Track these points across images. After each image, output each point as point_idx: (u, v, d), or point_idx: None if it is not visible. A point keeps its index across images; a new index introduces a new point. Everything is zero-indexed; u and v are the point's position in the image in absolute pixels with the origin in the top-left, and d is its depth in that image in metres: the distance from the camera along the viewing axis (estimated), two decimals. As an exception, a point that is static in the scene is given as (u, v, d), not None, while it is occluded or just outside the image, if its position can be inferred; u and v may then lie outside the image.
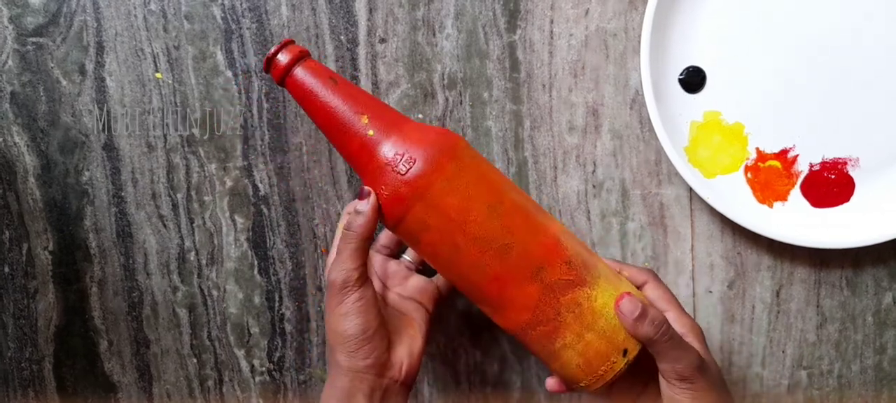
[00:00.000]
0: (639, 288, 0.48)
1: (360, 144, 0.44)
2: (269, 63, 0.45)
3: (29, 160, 0.59)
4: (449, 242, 0.44)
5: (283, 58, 0.45)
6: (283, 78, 0.45)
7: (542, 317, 0.45)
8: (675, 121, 0.53)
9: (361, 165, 0.45)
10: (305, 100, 0.45)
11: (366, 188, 0.44)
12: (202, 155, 0.58)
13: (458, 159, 0.44)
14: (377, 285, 0.51)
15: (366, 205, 0.44)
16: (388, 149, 0.44)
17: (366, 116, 0.44)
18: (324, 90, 0.44)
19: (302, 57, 0.45)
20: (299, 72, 0.45)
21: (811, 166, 0.53)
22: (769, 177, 0.53)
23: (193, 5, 0.56)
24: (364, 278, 0.46)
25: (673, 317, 0.47)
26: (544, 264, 0.44)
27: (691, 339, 0.46)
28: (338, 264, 0.45)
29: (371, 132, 0.44)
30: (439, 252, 0.45)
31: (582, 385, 0.46)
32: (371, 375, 0.46)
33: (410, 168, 0.43)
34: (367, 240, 0.45)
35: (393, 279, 0.52)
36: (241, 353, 0.60)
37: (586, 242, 0.56)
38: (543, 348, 0.46)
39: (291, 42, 0.45)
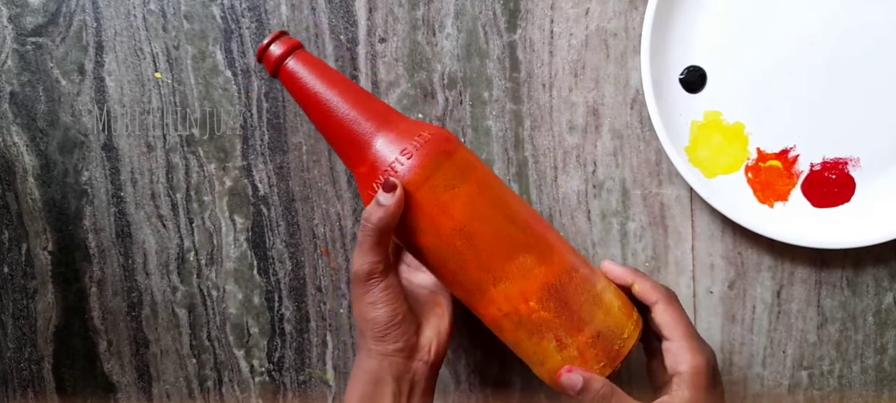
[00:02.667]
0: (648, 308, 0.47)
1: (353, 139, 0.44)
2: (262, 54, 0.45)
3: (28, 160, 0.59)
4: (439, 238, 0.44)
5: (275, 49, 0.44)
6: (276, 70, 0.45)
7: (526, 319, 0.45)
8: (676, 120, 0.53)
9: (354, 160, 0.45)
10: (298, 92, 0.45)
11: (392, 180, 0.43)
12: (202, 155, 0.58)
13: (452, 157, 0.44)
14: (404, 266, 0.52)
15: (391, 199, 0.43)
16: (383, 145, 0.44)
17: (359, 111, 0.44)
18: (316, 83, 0.44)
19: (294, 49, 0.45)
20: (292, 64, 0.44)
21: (812, 166, 0.53)
22: (770, 176, 0.53)
23: (193, 5, 0.56)
24: (388, 268, 0.46)
25: (675, 348, 0.45)
26: (534, 266, 0.44)
27: (678, 384, 0.44)
28: (360, 256, 0.45)
29: (362, 130, 0.44)
30: (430, 247, 0.44)
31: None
32: (400, 358, 0.46)
33: (405, 164, 0.43)
34: (388, 233, 0.44)
35: None
36: (240, 353, 0.60)
37: (587, 242, 0.56)
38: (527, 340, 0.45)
39: (285, 33, 0.45)
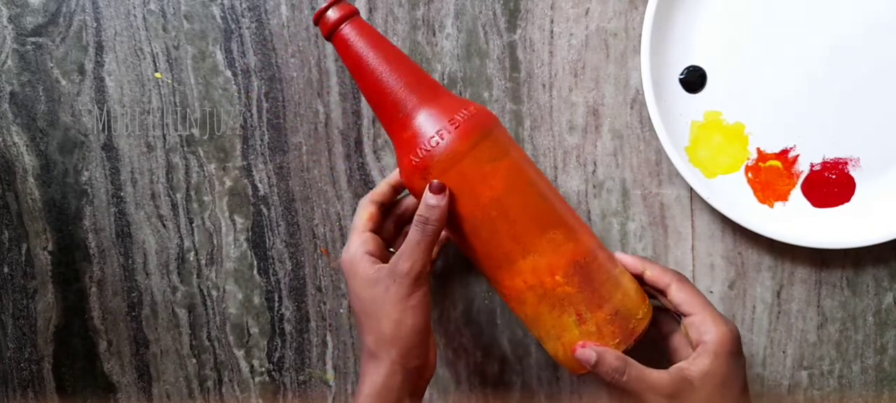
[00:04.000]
0: (662, 290, 0.49)
1: (396, 110, 0.45)
2: (319, 18, 0.46)
3: (28, 160, 0.59)
4: (476, 207, 0.45)
5: (332, 14, 0.46)
6: (331, 34, 0.46)
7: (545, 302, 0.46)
8: (676, 120, 0.53)
9: (396, 131, 0.46)
10: (349, 58, 0.46)
11: (436, 182, 0.44)
12: (202, 155, 0.58)
13: (494, 131, 0.46)
14: None
15: (443, 200, 0.44)
16: (424, 119, 0.45)
17: (408, 81, 0.45)
18: (367, 50, 0.45)
19: (350, 15, 0.46)
20: (346, 30, 0.46)
21: (812, 166, 0.53)
22: (770, 176, 0.53)
23: (193, 5, 0.56)
24: (428, 275, 0.46)
25: (698, 321, 0.47)
26: (557, 252, 0.46)
27: (698, 353, 0.46)
28: (415, 254, 0.45)
29: (409, 98, 0.45)
30: (466, 215, 0.45)
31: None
32: (415, 376, 0.47)
33: (444, 139, 0.44)
34: (439, 234, 0.45)
35: None
36: (240, 353, 0.60)
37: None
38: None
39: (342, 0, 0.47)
